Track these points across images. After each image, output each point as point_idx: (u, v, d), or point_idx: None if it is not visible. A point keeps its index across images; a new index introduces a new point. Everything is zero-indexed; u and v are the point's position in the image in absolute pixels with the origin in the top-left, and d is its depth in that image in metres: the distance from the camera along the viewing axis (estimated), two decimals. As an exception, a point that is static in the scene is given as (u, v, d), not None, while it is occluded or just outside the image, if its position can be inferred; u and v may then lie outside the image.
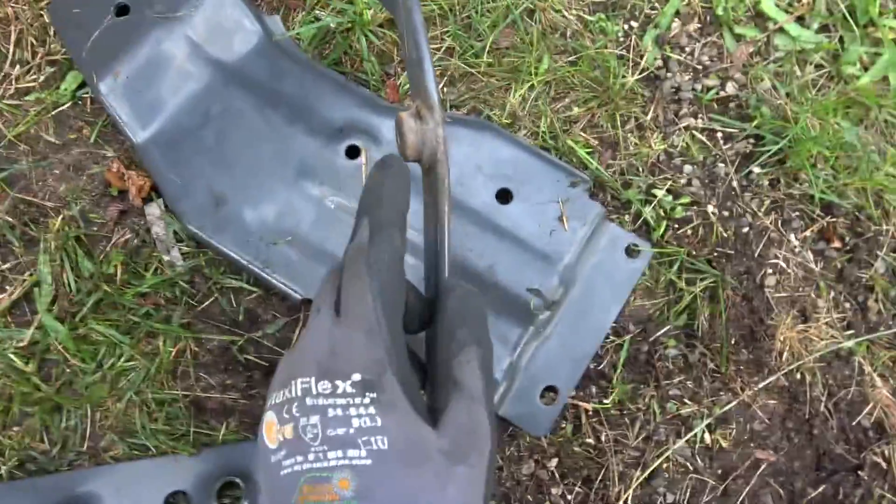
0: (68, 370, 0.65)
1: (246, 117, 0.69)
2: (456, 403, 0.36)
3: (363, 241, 0.38)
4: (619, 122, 0.74)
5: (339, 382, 0.34)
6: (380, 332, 0.35)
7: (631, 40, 0.77)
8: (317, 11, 0.76)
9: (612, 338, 0.68)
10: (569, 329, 0.66)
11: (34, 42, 0.74)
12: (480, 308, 0.42)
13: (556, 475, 0.66)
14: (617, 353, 0.68)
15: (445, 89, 0.75)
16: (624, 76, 0.74)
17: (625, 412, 0.67)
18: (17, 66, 0.74)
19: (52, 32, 0.74)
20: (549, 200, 0.67)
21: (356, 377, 0.34)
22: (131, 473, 0.62)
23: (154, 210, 0.69)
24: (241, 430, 0.65)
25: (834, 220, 0.73)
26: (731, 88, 0.76)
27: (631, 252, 0.68)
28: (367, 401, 0.34)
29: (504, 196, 0.67)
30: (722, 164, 0.74)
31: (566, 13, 0.77)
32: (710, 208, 0.72)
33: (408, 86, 0.74)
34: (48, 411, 0.64)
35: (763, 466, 0.68)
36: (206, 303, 0.68)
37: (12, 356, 0.65)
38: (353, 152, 0.69)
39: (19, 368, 0.64)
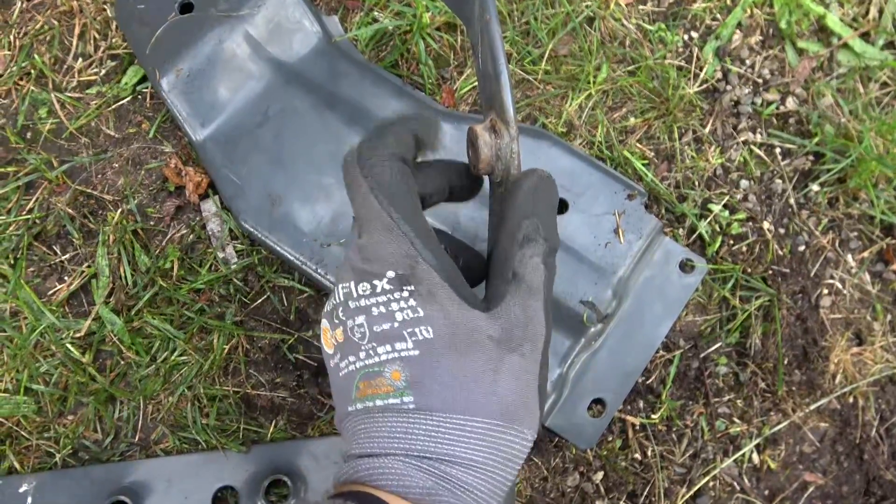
0: (123, 362, 0.66)
1: (303, 118, 0.70)
2: (512, 296, 0.36)
3: (354, 148, 0.38)
4: (676, 135, 0.73)
5: (376, 282, 0.35)
6: (398, 227, 0.35)
7: (691, 51, 0.75)
8: (375, 13, 0.76)
9: (661, 353, 0.68)
10: (619, 342, 0.66)
11: (97, 36, 0.76)
12: (553, 198, 0.41)
13: (602, 489, 0.65)
14: (666, 368, 0.68)
15: (501, 95, 0.74)
16: (683, 88, 0.73)
17: (672, 428, 0.67)
18: (80, 60, 0.75)
19: (114, 27, 0.75)
20: (605, 212, 0.66)
21: (390, 274, 0.35)
22: (182, 466, 0.63)
23: (210, 207, 0.70)
24: (290, 429, 0.66)
25: (894, 241, 0.71)
26: (791, 104, 0.74)
27: (685, 267, 0.68)
28: (405, 294, 0.35)
29: (560, 206, 0.67)
30: (779, 181, 0.73)
31: (626, 22, 0.76)
32: (766, 225, 0.71)
33: (464, 90, 0.74)
34: (102, 402, 0.65)
35: (811, 489, 0.67)
36: (259, 301, 0.68)
37: (69, 346, 0.66)
38: (408, 156, 0.69)
39: (76, 358, 0.66)
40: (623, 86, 0.74)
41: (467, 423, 0.34)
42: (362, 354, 0.36)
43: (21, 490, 0.62)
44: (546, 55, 0.74)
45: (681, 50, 0.76)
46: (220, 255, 0.69)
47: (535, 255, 0.37)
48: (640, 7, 0.77)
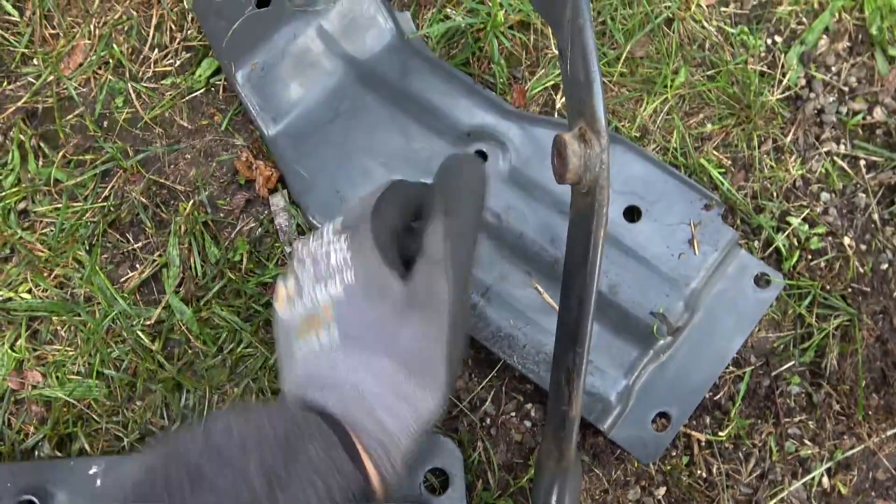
0: (190, 351, 0.67)
1: (374, 114, 0.69)
2: (418, 266, 0.41)
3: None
4: (755, 143, 0.70)
5: (325, 228, 0.44)
6: (364, 206, 0.43)
7: (774, 56, 0.73)
8: (447, 9, 0.75)
9: (731, 369, 0.66)
10: (688, 356, 0.64)
11: (173, 27, 0.77)
12: (467, 173, 0.46)
13: (663, 504, 0.64)
14: (736, 384, 0.66)
15: (573, 97, 0.73)
16: (764, 94, 0.71)
17: (740, 447, 0.65)
18: (156, 50, 0.76)
19: (190, 18, 0.76)
20: (680, 222, 0.64)
21: (338, 222, 0.44)
22: None
23: (279, 201, 0.71)
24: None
25: None
26: (879, 114, 0.71)
27: (760, 282, 0.65)
28: (343, 240, 0.42)
29: (632, 213, 0.65)
30: (863, 195, 0.69)
31: (706, 24, 0.74)
32: (848, 241, 0.68)
33: (535, 91, 0.73)
34: (169, 389, 0.67)
35: (883, 518, 0.64)
36: (324, 296, 0.69)
37: (140, 333, 0.67)
38: (480, 157, 0.68)
39: (146, 346, 0.67)
40: (701, 91, 0.71)
41: (378, 361, 0.40)
42: (305, 298, 0.42)
43: (91, 472, 0.63)
44: (622, 57, 0.72)
45: (763, 55, 0.73)
46: (288, 249, 0.69)
47: (437, 230, 0.42)
48: (723, 9, 0.74)
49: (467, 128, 0.68)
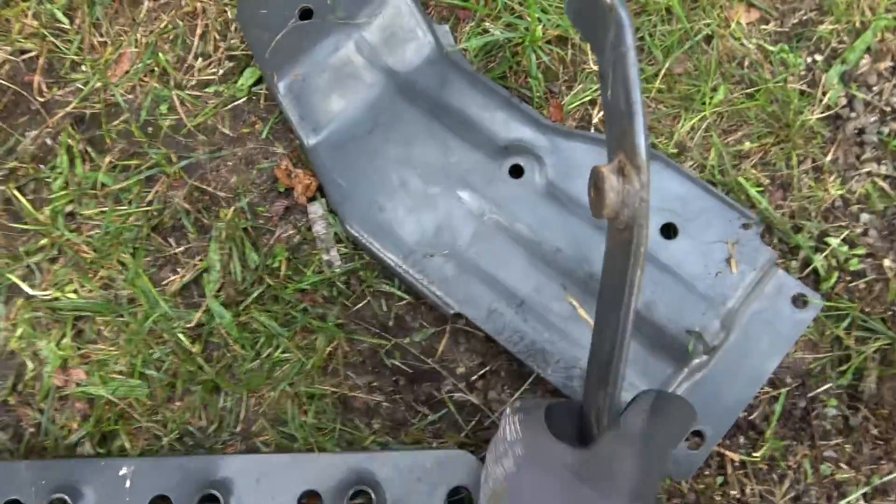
0: (229, 355, 0.69)
1: (412, 126, 0.70)
2: (606, 435, 0.40)
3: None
4: (794, 162, 0.70)
5: (507, 409, 0.45)
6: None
7: (814, 75, 0.72)
8: (486, 24, 0.76)
9: (767, 389, 0.66)
10: (724, 375, 0.64)
11: (217, 37, 0.78)
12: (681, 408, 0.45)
13: (694, 523, 0.64)
14: (771, 405, 0.65)
15: (611, 112, 0.73)
16: (804, 113, 0.70)
17: (774, 468, 0.64)
18: (200, 59, 0.78)
19: (233, 28, 0.78)
20: (717, 240, 0.64)
21: (517, 404, 0.45)
22: (272, 466, 0.64)
23: (317, 209, 0.72)
24: (383, 433, 0.67)
25: None
26: (922, 135, 0.70)
27: (798, 302, 0.65)
28: (517, 418, 0.42)
29: (668, 230, 0.65)
30: (904, 216, 0.69)
31: (746, 42, 0.73)
32: (888, 262, 0.67)
33: (572, 106, 0.73)
34: (208, 391, 0.68)
35: (919, 545, 0.63)
36: (360, 305, 0.70)
37: (181, 335, 0.69)
38: (516, 171, 0.68)
39: (186, 348, 0.69)
40: (740, 108, 0.71)
41: None
42: (489, 479, 0.44)
43: (121, 473, 0.64)
44: (660, 73, 0.72)
45: (804, 73, 0.73)
46: (325, 257, 0.70)
47: (640, 407, 0.41)
48: (762, 27, 0.74)
49: (504, 141, 0.69)
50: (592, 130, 0.73)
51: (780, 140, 0.70)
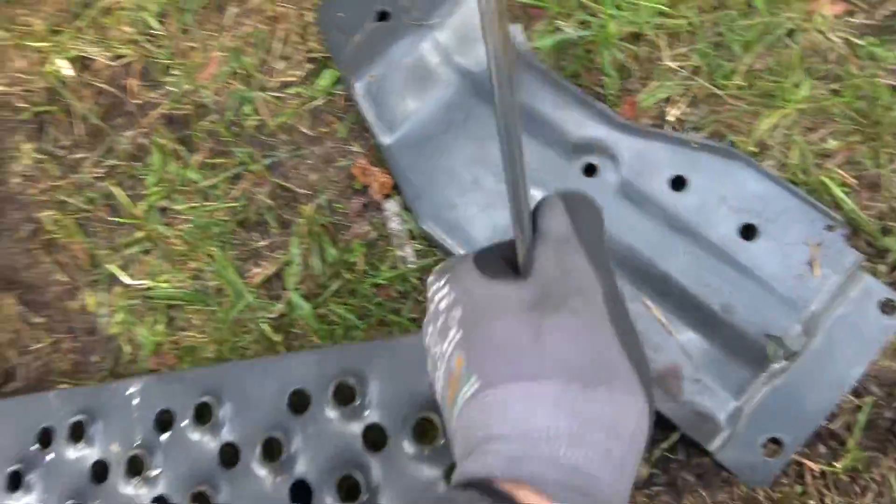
0: (308, 345, 0.72)
1: (485, 125, 0.71)
2: (540, 252, 0.33)
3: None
4: (883, 161, 0.67)
5: (431, 279, 0.38)
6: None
7: (908, 70, 0.69)
8: (558, 22, 0.76)
9: (850, 398, 0.63)
10: (804, 381, 0.62)
11: (297, 40, 0.81)
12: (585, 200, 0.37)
13: (770, 530, 0.62)
14: (854, 414, 0.63)
15: (687, 110, 0.72)
16: (894, 109, 0.67)
17: (857, 480, 0.62)
18: (281, 62, 0.81)
19: (312, 32, 0.81)
20: (799, 242, 0.62)
21: (437, 267, 0.38)
22: (261, 370, 0.64)
23: (392, 206, 0.74)
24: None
25: None
26: None
27: (886, 308, 0.62)
28: (443, 282, 0.36)
29: (748, 232, 0.64)
30: None
31: (831, 35, 0.71)
32: None
33: (647, 103, 0.72)
34: (287, 380, 0.71)
35: None
36: (432, 300, 0.71)
37: (264, 326, 0.72)
38: (589, 169, 0.68)
39: (269, 338, 0.72)
40: (824, 105, 0.69)
41: (533, 388, 0.30)
42: (438, 361, 0.36)
43: (128, 392, 0.67)
44: (740, 69, 0.70)
45: (894, 68, 0.69)
46: (400, 253, 0.72)
47: (556, 206, 0.34)
48: (849, 19, 0.71)
49: (578, 140, 0.69)
50: (667, 129, 0.72)
51: (867, 138, 0.68)
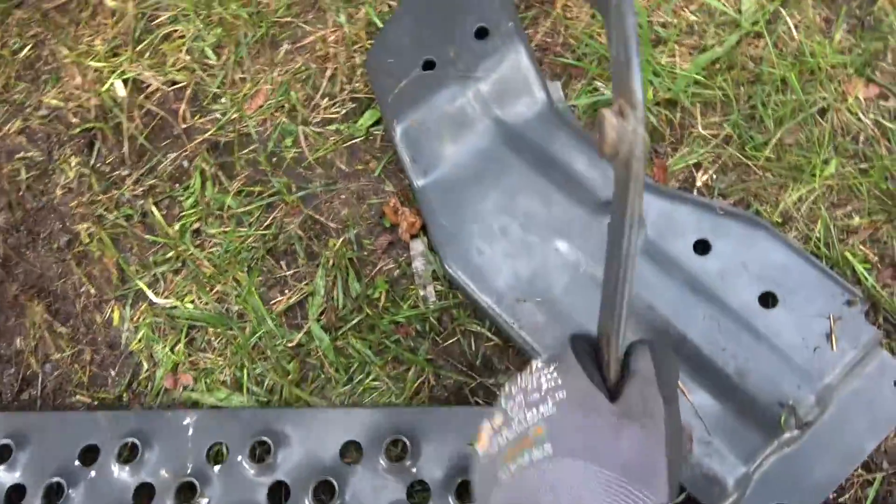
0: (323, 377, 0.73)
1: (518, 177, 0.73)
2: (631, 384, 0.42)
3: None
4: (907, 242, 0.68)
5: (533, 363, 0.45)
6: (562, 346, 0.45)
7: (935, 155, 0.70)
8: (597, 82, 0.79)
9: (860, 472, 0.63)
10: (815, 452, 0.62)
11: (343, 79, 0.85)
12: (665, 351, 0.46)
13: None
14: (864, 489, 0.63)
15: (715, 176, 0.74)
16: (921, 193, 0.69)
17: (866, 559, 0.61)
18: (326, 99, 0.85)
19: (359, 73, 0.84)
20: (819, 314, 0.63)
21: (544, 356, 0.45)
22: (320, 420, 0.68)
23: (418, 247, 0.76)
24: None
25: None
26: None
27: (903, 387, 0.63)
28: (551, 368, 0.43)
29: (768, 300, 0.65)
30: None
31: (862, 116, 0.73)
32: None
33: (677, 167, 0.74)
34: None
35: None
36: (450, 342, 0.72)
37: (281, 353, 0.74)
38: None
39: (284, 367, 0.73)
40: (852, 183, 0.70)
41: (595, 470, 0.39)
42: (514, 425, 0.43)
43: (185, 422, 0.70)
44: (770, 142, 0.72)
45: (923, 152, 0.71)
46: (422, 293, 0.74)
47: (645, 352, 0.43)
48: (882, 102, 0.73)
49: (606, 198, 0.71)
50: (696, 193, 0.73)
51: (892, 218, 0.69)
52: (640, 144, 0.44)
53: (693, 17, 0.81)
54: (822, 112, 0.73)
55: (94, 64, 0.90)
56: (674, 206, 0.69)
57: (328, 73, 0.85)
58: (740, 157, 0.73)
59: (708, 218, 0.68)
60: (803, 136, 0.73)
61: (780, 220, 0.70)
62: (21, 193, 0.87)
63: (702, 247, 0.67)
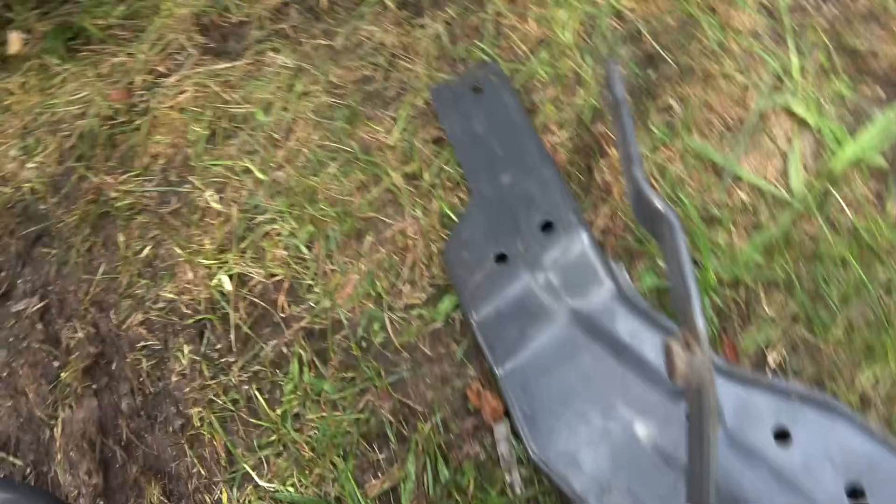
0: (418, 564, 0.76)
1: (593, 363, 0.78)
2: None
3: None
4: None
5: None
6: None
7: None
8: (660, 262, 0.84)
9: None
10: None
11: (423, 268, 0.93)
12: None
13: None
14: None
15: (787, 356, 0.76)
16: None
17: None
18: (408, 286, 0.93)
19: (437, 261, 0.92)
20: (911, 509, 0.63)
21: None
22: None
23: (502, 431, 0.80)
24: None
25: None
26: None
27: None
28: None
29: (855, 493, 0.65)
30: None
31: (930, 292, 0.74)
32: None
33: (749, 347, 0.77)
34: None
35: None
36: (538, 528, 0.75)
37: (378, 540, 0.78)
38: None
39: (382, 553, 0.77)
40: (928, 361, 0.71)
41: None
42: None
43: None
44: (838, 321, 0.75)
45: None
46: (508, 479, 0.77)
47: None
48: (948, 277, 0.75)
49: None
50: (768, 373, 0.75)
51: (976, 398, 0.69)
52: (710, 375, 0.48)
53: (745, 197, 0.86)
54: (888, 288, 0.75)
55: (203, 261, 1.02)
56: (748, 392, 0.71)
57: (408, 261, 0.94)
58: (809, 336, 0.75)
59: (784, 405, 0.70)
60: (871, 314, 0.74)
61: (857, 401, 0.71)
62: (141, 380, 0.97)
63: (782, 435, 0.68)
